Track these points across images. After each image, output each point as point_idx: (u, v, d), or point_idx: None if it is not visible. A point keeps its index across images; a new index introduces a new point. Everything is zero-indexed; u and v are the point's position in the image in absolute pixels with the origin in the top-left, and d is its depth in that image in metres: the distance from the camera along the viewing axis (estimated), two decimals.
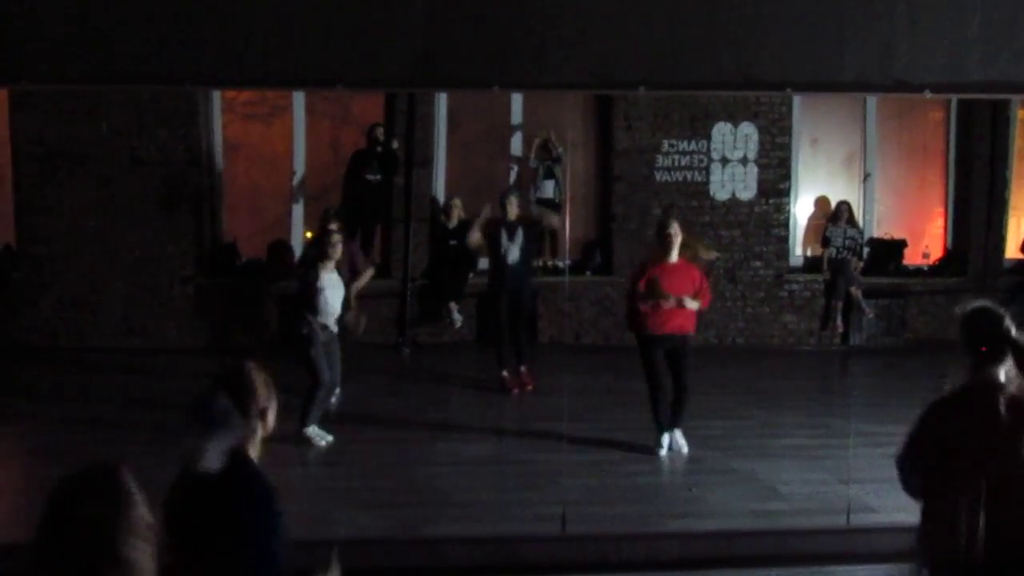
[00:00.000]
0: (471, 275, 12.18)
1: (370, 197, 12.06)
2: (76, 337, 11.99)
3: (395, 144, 12.19)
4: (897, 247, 13.16)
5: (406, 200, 12.19)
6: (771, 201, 12.77)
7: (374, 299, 12.27)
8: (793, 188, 12.95)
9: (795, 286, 12.90)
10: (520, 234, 10.18)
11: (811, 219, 13.36)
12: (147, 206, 12.06)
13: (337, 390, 8.99)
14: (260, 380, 3.45)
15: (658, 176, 12.59)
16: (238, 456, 3.35)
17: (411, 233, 12.14)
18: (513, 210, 10.31)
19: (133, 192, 12.02)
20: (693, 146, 12.60)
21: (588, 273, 12.65)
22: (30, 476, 7.94)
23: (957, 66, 6.99)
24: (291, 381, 10.01)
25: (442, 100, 12.50)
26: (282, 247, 12.40)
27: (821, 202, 13.26)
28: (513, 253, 10.14)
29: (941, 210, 13.54)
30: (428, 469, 8.05)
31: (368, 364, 10.21)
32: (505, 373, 10.24)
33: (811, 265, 13.09)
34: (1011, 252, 13.15)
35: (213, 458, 3.27)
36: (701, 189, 12.66)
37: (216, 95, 12.33)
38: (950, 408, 3.88)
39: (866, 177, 13.21)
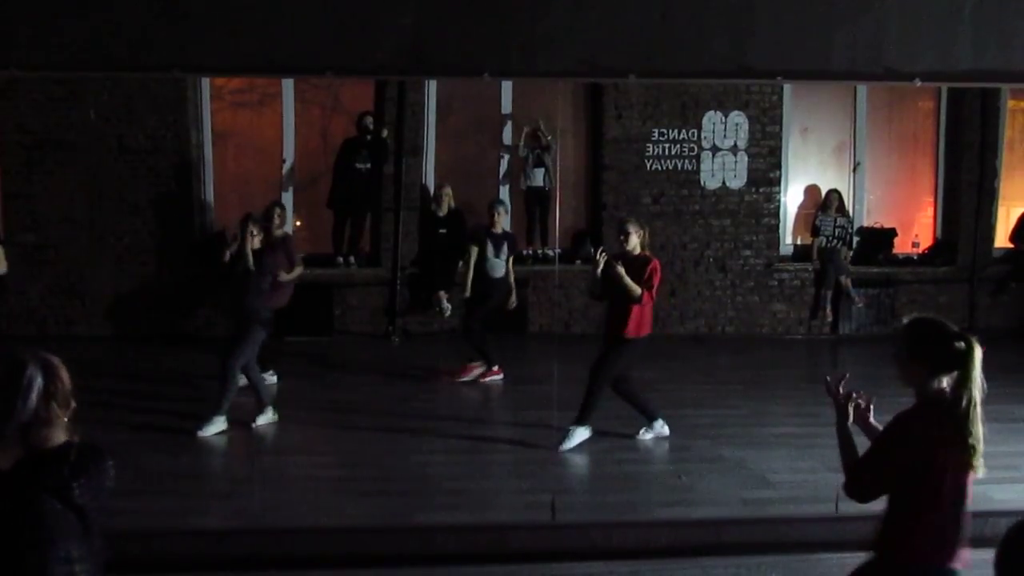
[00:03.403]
0: (460, 264, 12.17)
1: (360, 185, 12.03)
2: (64, 325, 11.96)
3: (385, 133, 12.16)
4: (887, 236, 13.18)
5: (396, 189, 12.18)
6: (761, 190, 12.77)
7: (364, 288, 12.29)
8: (783, 177, 12.96)
9: (785, 275, 12.92)
10: (506, 247, 10.25)
11: (801, 208, 13.37)
12: (135, 194, 12.02)
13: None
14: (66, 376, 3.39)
15: (648, 165, 12.58)
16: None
17: (401, 222, 12.13)
18: (501, 221, 10.35)
19: (121, 180, 11.98)
20: (683, 135, 12.60)
21: (578, 262, 12.64)
22: None
23: (947, 55, 7.00)
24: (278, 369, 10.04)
25: (432, 88, 12.47)
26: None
27: (811, 191, 13.28)
28: (499, 266, 10.26)
29: (931, 199, 13.56)
30: (418, 457, 8.05)
31: (358, 353, 10.21)
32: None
33: (801, 254, 13.10)
34: (1000, 241, 13.18)
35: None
36: (691, 178, 12.66)
37: (205, 82, 12.28)
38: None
39: (856, 166, 13.22)
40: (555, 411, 7.78)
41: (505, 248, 10.26)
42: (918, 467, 3.78)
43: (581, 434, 8.22)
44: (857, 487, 3.96)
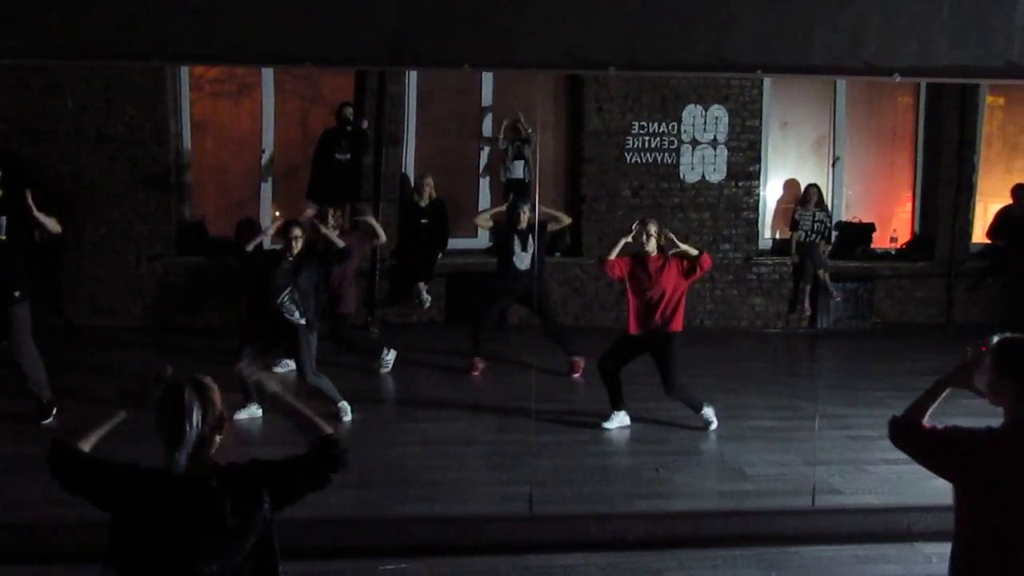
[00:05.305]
0: (440, 255, 12.16)
1: (339, 176, 11.98)
2: (42, 315, 11.85)
3: (365, 123, 12.12)
4: (865, 231, 13.23)
5: (375, 180, 12.15)
6: (741, 184, 12.80)
7: None
8: (763, 171, 12.99)
9: (764, 269, 12.95)
10: (531, 241, 10.08)
11: (780, 202, 13.41)
12: (114, 184, 11.95)
13: None
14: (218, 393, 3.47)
15: (628, 158, 12.59)
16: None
17: (380, 213, 12.09)
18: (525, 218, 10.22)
19: (100, 169, 11.91)
20: (663, 128, 12.61)
21: (557, 255, 12.64)
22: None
23: (926, 50, 7.03)
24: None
25: (412, 80, 12.44)
26: (250, 225, 12.32)
27: (790, 185, 13.32)
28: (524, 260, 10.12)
29: (909, 194, 13.62)
30: (396, 449, 8.05)
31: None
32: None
33: (780, 248, 13.14)
34: (978, 237, 13.25)
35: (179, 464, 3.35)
36: (671, 171, 12.67)
37: (184, 72, 12.22)
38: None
39: (835, 161, 13.26)
40: (533, 402, 7.78)
41: (531, 241, 10.07)
42: None
43: (710, 413, 8.59)
44: None
